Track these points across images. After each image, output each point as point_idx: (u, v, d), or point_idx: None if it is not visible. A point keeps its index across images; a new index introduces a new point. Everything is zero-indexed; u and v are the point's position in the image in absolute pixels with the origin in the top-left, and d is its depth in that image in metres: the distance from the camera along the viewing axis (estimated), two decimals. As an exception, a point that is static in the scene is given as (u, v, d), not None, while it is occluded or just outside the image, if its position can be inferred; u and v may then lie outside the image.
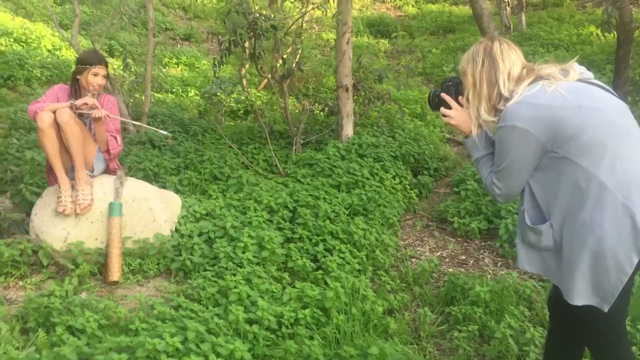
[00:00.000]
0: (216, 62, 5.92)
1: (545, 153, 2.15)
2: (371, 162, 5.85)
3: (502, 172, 2.26)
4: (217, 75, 5.98)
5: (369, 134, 6.52)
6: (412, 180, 6.03)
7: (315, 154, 5.92)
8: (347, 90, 6.33)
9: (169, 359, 2.66)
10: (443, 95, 2.52)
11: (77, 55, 4.65)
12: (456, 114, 2.48)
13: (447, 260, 4.74)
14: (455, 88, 2.51)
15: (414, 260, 4.68)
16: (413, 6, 19.02)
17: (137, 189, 4.32)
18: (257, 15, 5.21)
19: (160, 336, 2.84)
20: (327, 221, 4.52)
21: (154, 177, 5.36)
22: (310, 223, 4.48)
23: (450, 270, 4.52)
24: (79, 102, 4.01)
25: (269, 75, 6.34)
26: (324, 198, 4.91)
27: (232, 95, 7.73)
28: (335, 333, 3.20)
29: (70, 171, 4.12)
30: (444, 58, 12.84)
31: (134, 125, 4.88)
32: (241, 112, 7.95)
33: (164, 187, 5.19)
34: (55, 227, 4.04)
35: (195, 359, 2.66)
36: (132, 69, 6.87)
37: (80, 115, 4.11)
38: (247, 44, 5.85)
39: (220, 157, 5.79)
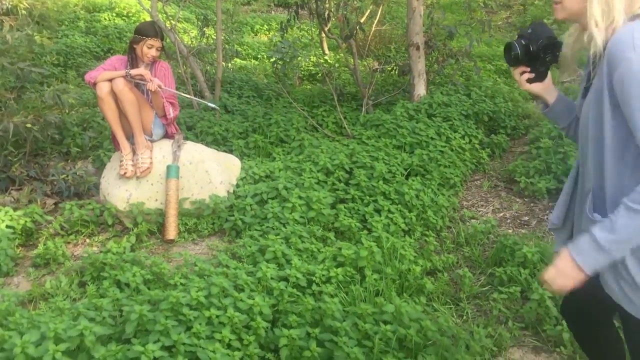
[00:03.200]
0: (283, 26, 5.96)
1: None
2: (440, 121, 5.70)
3: None
4: (283, 38, 6.02)
5: (442, 93, 6.34)
6: (483, 139, 5.81)
7: (383, 114, 5.86)
8: (417, 48, 6.16)
9: (191, 311, 2.80)
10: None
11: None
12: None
13: (509, 221, 4.56)
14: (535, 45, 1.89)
15: (473, 221, 4.55)
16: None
17: (194, 152, 4.50)
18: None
19: (189, 290, 2.99)
20: (381, 182, 4.49)
21: (222, 141, 5.54)
22: (364, 184, 4.47)
23: (510, 231, 4.36)
24: (134, 72, 4.20)
25: (336, 36, 6.31)
26: (383, 159, 4.86)
27: (311, 59, 7.79)
28: (362, 292, 3.21)
29: (131, 136, 4.36)
30: (547, 10, 12.07)
31: (184, 96, 5.07)
32: (319, 75, 7.98)
33: (230, 150, 5.38)
34: (119, 188, 4.31)
35: (215, 312, 2.78)
36: (208, 37, 7.07)
37: (137, 84, 4.33)
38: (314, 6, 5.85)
39: (287, 121, 5.87)
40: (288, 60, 5.36)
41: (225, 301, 2.89)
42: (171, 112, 4.41)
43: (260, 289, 3.15)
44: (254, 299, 2.90)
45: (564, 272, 1.64)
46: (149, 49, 4.28)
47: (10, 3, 5.32)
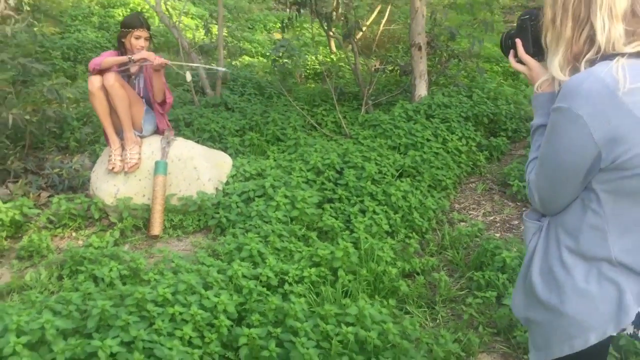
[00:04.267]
0: (284, 24, 5.95)
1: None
2: (438, 122, 5.65)
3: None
4: (283, 37, 6.01)
5: (443, 94, 6.27)
6: (481, 141, 5.74)
7: (382, 114, 5.82)
8: (419, 48, 6.11)
9: (156, 307, 2.81)
10: (518, 41, 1.78)
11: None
12: (526, 68, 1.77)
13: (498, 225, 4.50)
14: (534, 24, 1.74)
15: (462, 224, 4.50)
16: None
17: (183, 149, 4.52)
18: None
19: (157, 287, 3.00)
20: (369, 182, 4.46)
21: (218, 138, 5.56)
22: (352, 184, 4.45)
23: (498, 235, 4.31)
24: (136, 56, 4.23)
25: (338, 36, 6.29)
26: (375, 159, 4.83)
27: (317, 57, 7.77)
28: (331, 292, 3.19)
29: (121, 132, 4.39)
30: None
31: (191, 67, 5.12)
32: (328, 74, 7.96)
33: (226, 148, 5.39)
34: (107, 183, 4.35)
35: (179, 309, 2.79)
36: (213, 34, 7.09)
37: (129, 78, 4.37)
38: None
39: (285, 119, 5.87)
40: (286, 58, 5.35)
41: (191, 298, 2.90)
42: (170, 95, 4.47)
43: (230, 287, 3.16)
44: (219, 297, 2.90)
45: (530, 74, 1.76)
46: (136, 39, 4.31)
47: (16, -1, 5.38)
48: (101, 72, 4.24)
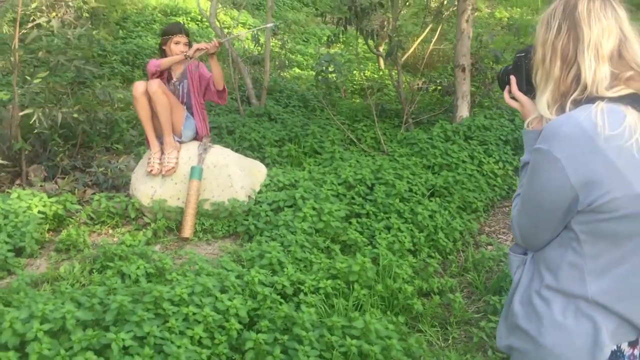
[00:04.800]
0: (329, 39, 6.08)
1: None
2: (475, 144, 5.65)
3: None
4: (328, 52, 6.14)
5: (485, 117, 6.27)
6: (518, 165, 5.70)
7: (420, 133, 5.86)
8: (463, 70, 6.14)
9: (171, 306, 2.95)
10: (512, 77, 1.83)
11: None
12: (519, 104, 1.81)
13: (526, 251, 4.47)
14: (527, 62, 1.78)
15: (489, 247, 4.49)
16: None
17: (219, 156, 4.68)
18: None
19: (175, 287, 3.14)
20: (398, 200, 4.51)
21: (257, 147, 5.71)
22: (380, 200, 4.51)
23: (524, 261, 4.28)
24: (190, 51, 4.45)
25: (384, 53, 6.37)
26: (407, 177, 4.88)
27: (366, 73, 7.86)
28: (344, 305, 3.26)
29: (162, 136, 4.59)
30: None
31: (242, 34, 5.38)
32: (370, 89, 8.05)
33: (263, 157, 5.54)
34: (145, 185, 4.55)
35: (192, 309, 2.92)
36: (261, 46, 7.29)
37: (173, 87, 4.59)
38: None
39: (324, 132, 5.98)
40: (329, 73, 5.47)
41: (206, 300, 3.02)
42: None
43: (246, 293, 3.27)
44: (232, 301, 3.01)
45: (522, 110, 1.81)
46: (176, 45, 4.54)
47: (76, 3, 5.69)
48: (161, 73, 4.51)
